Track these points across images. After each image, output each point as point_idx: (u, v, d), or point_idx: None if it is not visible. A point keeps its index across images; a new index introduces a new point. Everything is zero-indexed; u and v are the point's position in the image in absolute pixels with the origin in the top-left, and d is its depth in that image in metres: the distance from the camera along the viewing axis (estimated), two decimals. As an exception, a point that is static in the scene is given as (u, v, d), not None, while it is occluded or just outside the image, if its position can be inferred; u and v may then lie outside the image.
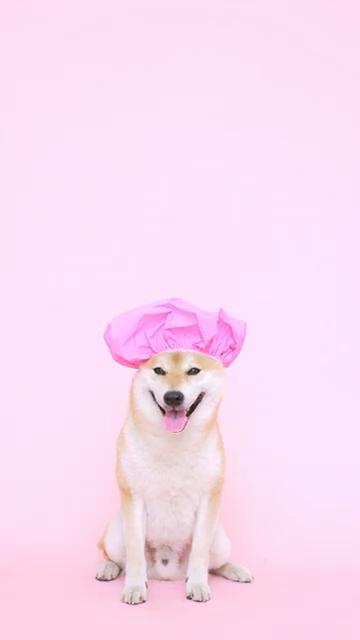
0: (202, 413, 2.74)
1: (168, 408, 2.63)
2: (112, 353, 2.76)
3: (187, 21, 3.80)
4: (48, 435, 3.57)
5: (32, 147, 3.77)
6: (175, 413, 2.65)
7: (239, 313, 2.86)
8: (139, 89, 3.79)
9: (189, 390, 2.64)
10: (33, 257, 3.73)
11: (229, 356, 2.81)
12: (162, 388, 2.64)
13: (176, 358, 2.69)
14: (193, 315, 2.69)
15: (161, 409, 2.69)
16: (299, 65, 3.82)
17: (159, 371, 2.70)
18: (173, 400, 2.60)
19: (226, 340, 2.77)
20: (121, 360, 2.76)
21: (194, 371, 2.70)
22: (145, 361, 2.74)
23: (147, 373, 2.72)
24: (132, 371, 2.85)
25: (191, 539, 2.89)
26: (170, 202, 3.76)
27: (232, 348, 2.80)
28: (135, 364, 2.76)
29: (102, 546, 3.13)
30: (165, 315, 2.70)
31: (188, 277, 3.63)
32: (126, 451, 2.84)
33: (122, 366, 2.84)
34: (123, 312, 2.77)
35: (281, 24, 3.82)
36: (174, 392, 2.60)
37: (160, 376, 2.69)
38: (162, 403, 2.64)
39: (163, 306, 2.71)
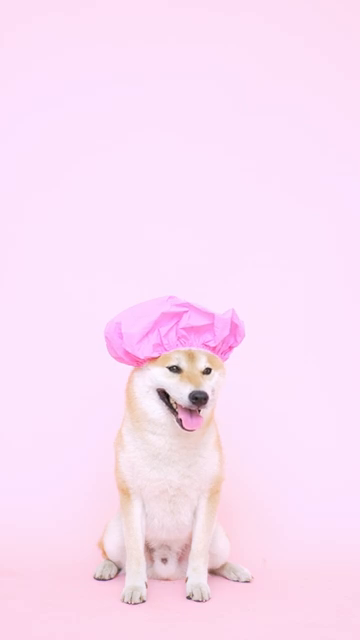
0: (203, 411, 2.74)
1: (193, 407, 2.62)
2: (119, 349, 2.71)
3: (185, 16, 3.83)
4: (48, 435, 3.58)
5: (32, 149, 3.77)
6: (191, 412, 2.64)
7: (238, 312, 2.86)
8: (139, 93, 3.79)
9: (209, 390, 2.64)
10: (33, 257, 3.74)
11: (227, 355, 2.82)
12: (183, 387, 2.62)
13: (191, 357, 2.69)
14: (211, 315, 2.70)
15: (171, 408, 2.69)
16: (300, 61, 3.84)
17: (174, 369, 2.68)
18: (200, 400, 2.59)
19: (228, 339, 2.78)
20: (129, 357, 2.72)
21: (207, 371, 2.70)
22: (154, 359, 2.71)
23: (158, 371, 2.69)
24: (129, 371, 2.85)
25: (190, 539, 2.90)
26: (170, 202, 3.77)
27: (230, 347, 2.80)
28: (140, 362, 2.73)
29: (101, 546, 3.13)
30: (180, 314, 2.69)
31: (185, 275, 3.64)
32: (124, 450, 2.83)
33: (120, 367, 2.83)
34: (127, 309, 2.76)
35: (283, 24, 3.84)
36: (201, 392, 2.59)
37: (176, 374, 2.67)
38: (185, 402, 2.61)
39: (180, 305, 2.70)
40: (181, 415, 2.65)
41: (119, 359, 2.76)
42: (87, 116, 3.78)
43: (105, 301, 3.57)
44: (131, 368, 2.82)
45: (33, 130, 3.77)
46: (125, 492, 2.85)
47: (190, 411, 2.64)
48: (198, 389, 2.59)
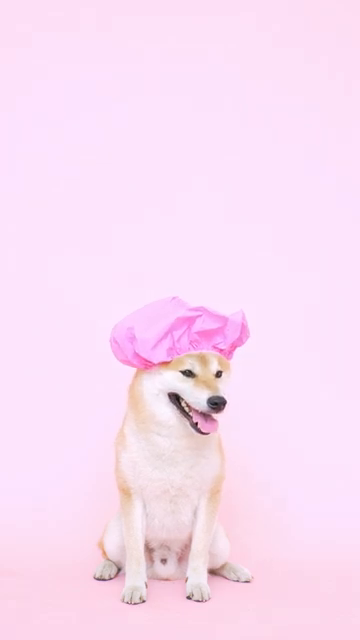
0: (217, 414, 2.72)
1: (211, 412, 2.62)
2: (129, 353, 2.69)
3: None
4: (48, 435, 3.58)
5: (31, 141, 3.78)
6: (206, 416, 2.65)
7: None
8: (138, 92, 3.80)
9: (225, 395, 2.63)
10: (33, 257, 3.74)
11: (231, 355, 2.82)
12: (199, 392, 2.61)
13: (204, 361, 2.68)
14: (224, 318, 2.70)
15: (183, 411, 2.68)
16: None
17: (188, 373, 2.67)
18: (219, 405, 2.58)
19: (236, 341, 2.78)
20: (139, 360, 2.70)
21: (218, 374, 2.70)
22: (165, 363, 2.68)
23: (171, 375, 2.67)
24: (130, 372, 2.84)
25: (190, 539, 2.89)
26: (170, 200, 3.77)
27: (235, 347, 2.80)
28: (150, 365, 2.72)
29: (101, 546, 3.12)
30: (194, 318, 2.68)
31: (186, 275, 3.64)
32: (126, 451, 2.83)
33: (120, 367, 2.81)
34: (135, 311, 2.75)
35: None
36: (220, 397, 2.59)
37: (189, 378, 2.66)
38: (203, 407, 2.60)
39: (194, 309, 2.69)
40: (197, 419, 2.65)
41: (126, 362, 2.75)
42: (87, 116, 3.78)
43: (105, 301, 3.59)
44: (134, 370, 2.82)
45: (33, 129, 3.77)
46: (126, 492, 2.85)
47: (205, 415, 2.65)
48: (216, 394, 2.59)
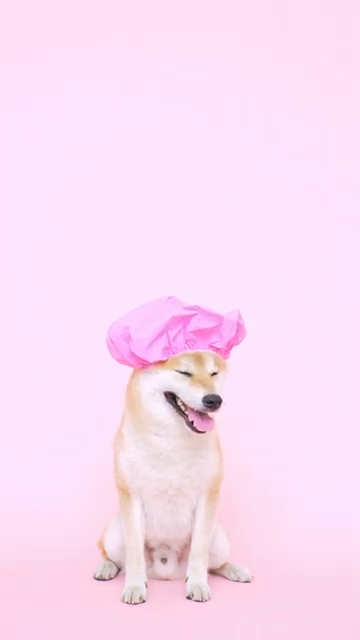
0: (213, 413, 2.72)
1: (207, 411, 2.62)
2: (125, 353, 2.70)
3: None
4: (48, 435, 3.58)
5: (31, 142, 3.78)
6: (201, 414, 2.65)
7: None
8: (139, 93, 3.80)
9: (221, 393, 2.64)
10: (32, 256, 3.75)
11: (228, 354, 2.82)
12: (195, 391, 2.62)
13: (199, 360, 2.68)
14: (219, 317, 2.70)
15: (179, 410, 2.69)
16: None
17: (184, 372, 2.67)
18: (215, 404, 2.59)
19: (232, 340, 2.78)
20: (135, 360, 2.71)
21: (215, 373, 2.71)
22: (162, 362, 2.69)
23: (167, 374, 2.68)
24: (128, 372, 2.84)
25: (189, 538, 2.89)
26: (169, 199, 3.77)
27: (231, 346, 2.81)
28: (146, 365, 2.72)
29: (101, 545, 3.13)
30: (189, 317, 2.68)
31: (185, 274, 3.65)
32: (125, 451, 2.83)
33: (120, 367, 2.82)
34: (131, 311, 2.75)
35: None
36: (215, 395, 2.59)
37: (185, 378, 2.66)
38: (199, 406, 2.61)
39: (190, 308, 2.69)
40: (193, 418, 2.66)
41: (123, 362, 2.75)
42: (87, 116, 3.78)
43: (104, 301, 3.59)
44: (131, 369, 2.82)
45: (33, 129, 3.78)
46: (125, 492, 2.85)
47: (201, 414, 2.65)
48: (212, 393, 2.60)
